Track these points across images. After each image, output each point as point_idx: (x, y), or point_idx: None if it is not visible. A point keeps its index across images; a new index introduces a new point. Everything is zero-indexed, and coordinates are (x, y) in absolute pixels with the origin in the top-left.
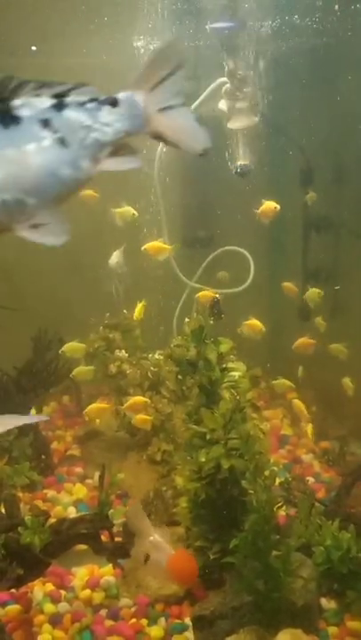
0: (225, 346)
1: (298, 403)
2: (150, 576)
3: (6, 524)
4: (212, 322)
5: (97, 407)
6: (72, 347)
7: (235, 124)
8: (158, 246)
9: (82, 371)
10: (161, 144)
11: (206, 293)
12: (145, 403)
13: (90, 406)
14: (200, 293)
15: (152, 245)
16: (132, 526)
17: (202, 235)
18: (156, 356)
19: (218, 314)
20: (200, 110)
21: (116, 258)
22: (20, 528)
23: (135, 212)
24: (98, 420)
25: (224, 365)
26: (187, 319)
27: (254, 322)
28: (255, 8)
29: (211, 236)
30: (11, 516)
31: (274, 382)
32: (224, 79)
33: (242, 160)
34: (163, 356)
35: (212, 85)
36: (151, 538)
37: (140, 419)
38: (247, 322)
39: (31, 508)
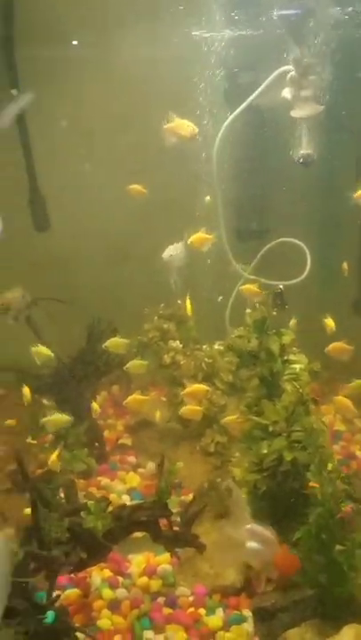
0: (287, 337)
1: (343, 400)
2: (251, 563)
3: (69, 508)
4: (275, 313)
5: (137, 399)
6: (115, 342)
7: (299, 113)
8: (202, 237)
9: (136, 364)
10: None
11: (250, 287)
12: (206, 391)
13: (130, 397)
14: (245, 286)
15: (197, 237)
16: (232, 511)
17: (255, 227)
18: (216, 347)
19: (281, 305)
20: (261, 99)
21: (171, 251)
22: (82, 513)
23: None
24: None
25: (285, 357)
26: (248, 310)
27: (341, 344)
28: None
29: (265, 229)
30: (69, 500)
31: (350, 385)
32: (287, 67)
33: (305, 149)
34: (223, 346)
35: (275, 73)
36: (249, 526)
37: (190, 409)
38: (334, 344)
39: (86, 495)
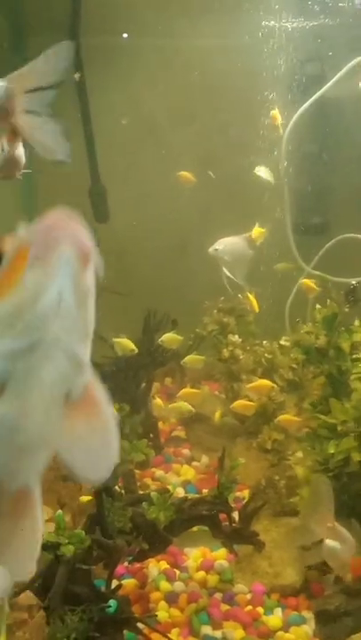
0: (358, 335)
1: None
2: (328, 561)
3: (132, 497)
4: (347, 309)
5: (189, 392)
6: (170, 337)
7: None
8: (258, 231)
9: (193, 359)
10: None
11: (308, 282)
12: (270, 387)
13: (182, 390)
14: (304, 281)
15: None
16: (314, 502)
17: (316, 221)
18: (282, 342)
19: (354, 301)
20: (333, 91)
21: (217, 245)
22: (144, 503)
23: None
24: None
25: (355, 355)
26: (318, 306)
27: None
28: None
29: (326, 223)
30: (128, 490)
31: None
32: None
33: None
34: (289, 342)
35: (350, 64)
36: (330, 524)
37: (242, 404)
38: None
39: (141, 486)
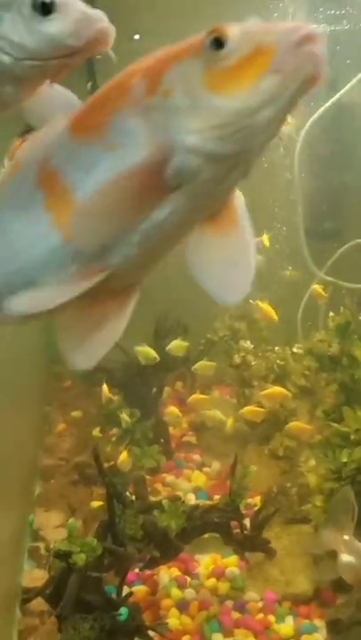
0: None
1: None
2: (344, 576)
3: (143, 505)
4: None
5: (198, 398)
6: (176, 345)
7: None
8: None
9: (203, 365)
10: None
11: (318, 288)
12: (285, 395)
13: (193, 396)
14: (315, 287)
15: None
16: (335, 512)
17: (328, 226)
18: (295, 350)
19: None
20: (348, 96)
21: None
22: (155, 511)
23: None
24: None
25: None
26: (331, 313)
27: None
28: None
29: (338, 228)
30: (139, 496)
31: None
32: None
33: None
34: (302, 349)
35: None
36: (346, 537)
37: (252, 410)
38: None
39: (152, 492)
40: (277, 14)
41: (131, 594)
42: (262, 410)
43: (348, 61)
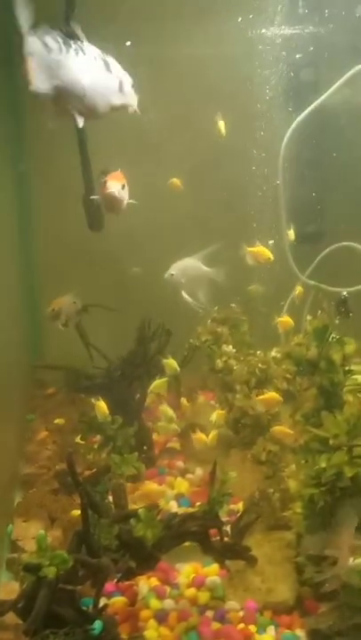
0: (350, 347)
1: None
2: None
3: (119, 514)
4: (337, 321)
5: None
6: (157, 385)
7: None
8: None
9: (158, 384)
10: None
11: (301, 291)
12: (279, 400)
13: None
14: (298, 291)
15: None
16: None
17: (311, 230)
18: (273, 354)
19: (345, 312)
20: (329, 100)
21: (172, 270)
22: (132, 520)
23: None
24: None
25: (347, 367)
26: (309, 317)
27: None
28: None
29: (321, 232)
30: (118, 505)
31: None
32: None
33: None
34: (280, 353)
35: (350, 73)
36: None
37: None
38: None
39: (133, 499)
40: (259, 17)
41: (106, 606)
42: (222, 412)
43: (329, 65)
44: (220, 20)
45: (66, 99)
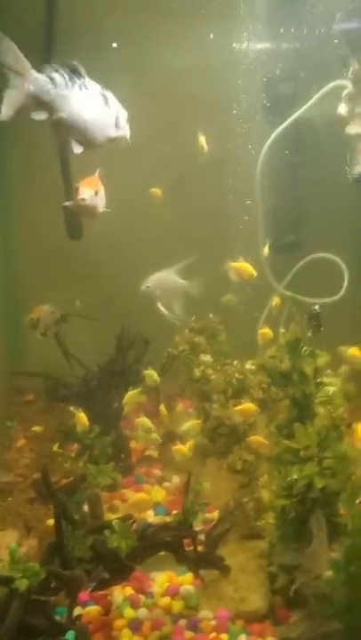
0: (322, 359)
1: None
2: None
3: (93, 525)
4: (310, 334)
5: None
6: (131, 395)
7: (355, 129)
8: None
9: (131, 396)
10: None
11: (278, 302)
12: (255, 410)
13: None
14: (275, 302)
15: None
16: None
17: (290, 239)
18: (248, 366)
19: (317, 326)
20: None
21: (148, 283)
22: (106, 531)
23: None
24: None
25: (319, 380)
26: (282, 330)
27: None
28: None
29: (300, 241)
30: (93, 515)
31: None
32: (341, 82)
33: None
34: (254, 365)
35: (327, 87)
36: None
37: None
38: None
39: (110, 508)
40: (237, 31)
41: (79, 616)
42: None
43: (306, 79)
44: (202, 35)
45: (68, 130)
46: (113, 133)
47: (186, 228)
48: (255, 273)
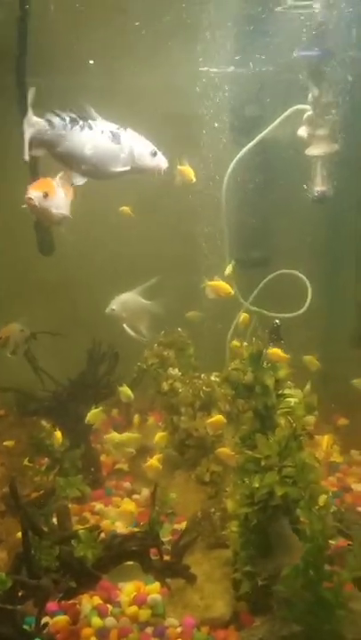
0: (282, 372)
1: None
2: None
3: (60, 535)
4: (270, 348)
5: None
6: (93, 414)
7: (314, 151)
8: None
9: (93, 414)
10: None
11: (246, 317)
12: (223, 423)
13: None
14: (243, 317)
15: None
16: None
17: (257, 255)
18: (213, 378)
19: (277, 339)
20: (273, 134)
21: (113, 305)
22: (73, 541)
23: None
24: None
25: (280, 391)
26: (245, 343)
27: (311, 358)
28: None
29: (266, 257)
30: (62, 527)
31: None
32: (302, 106)
33: (320, 186)
34: (219, 378)
35: (288, 111)
36: None
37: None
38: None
39: (80, 520)
40: (205, 53)
41: (46, 625)
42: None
43: (268, 100)
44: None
45: (67, 163)
46: (121, 167)
47: (155, 245)
48: (232, 291)
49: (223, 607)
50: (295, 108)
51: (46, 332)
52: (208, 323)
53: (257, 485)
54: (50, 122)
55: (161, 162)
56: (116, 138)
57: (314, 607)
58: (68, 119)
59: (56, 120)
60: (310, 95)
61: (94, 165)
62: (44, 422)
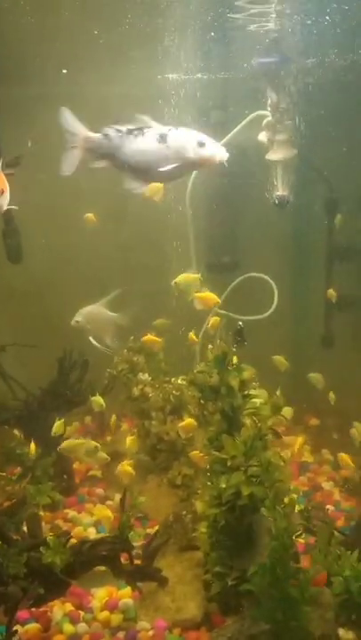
0: (247, 373)
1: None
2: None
3: (29, 543)
4: (234, 349)
5: (72, 443)
6: (57, 425)
7: (274, 156)
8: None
9: (58, 425)
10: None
11: (216, 320)
12: (195, 426)
13: (65, 442)
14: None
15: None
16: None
17: (226, 260)
18: (180, 382)
19: (241, 341)
20: (235, 140)
21: (77, 317)
22: (41, 548)
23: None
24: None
25: (246, 392)
26: (210, 346)
27: (280, 358)
28: (298, 45)
29: (235, 262)
30: (33, 535)
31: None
32: (262, 112)
33: (280, 191)
34: (185, 381)
35: (249, 117)
36: None
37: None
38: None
39: (52, 528)
40: (172, 63)
41: (16, 632)
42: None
43: (232, 109)
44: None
45: (130, 170)
46: (170, 165)
47: (127, 249)
48: (219, 300)
49: (195, 609)
50: (256, 113)
51: (15, 344)
52: (178, 327)
53: (224, 486)
54: (106, 135)
55: (214, 151)
56: (162, 138)
57: (281, 604)
58: (124, 130)
59: (112, 132)
60: (269, 101)
61: (147, 169)
62: (16, 431)
